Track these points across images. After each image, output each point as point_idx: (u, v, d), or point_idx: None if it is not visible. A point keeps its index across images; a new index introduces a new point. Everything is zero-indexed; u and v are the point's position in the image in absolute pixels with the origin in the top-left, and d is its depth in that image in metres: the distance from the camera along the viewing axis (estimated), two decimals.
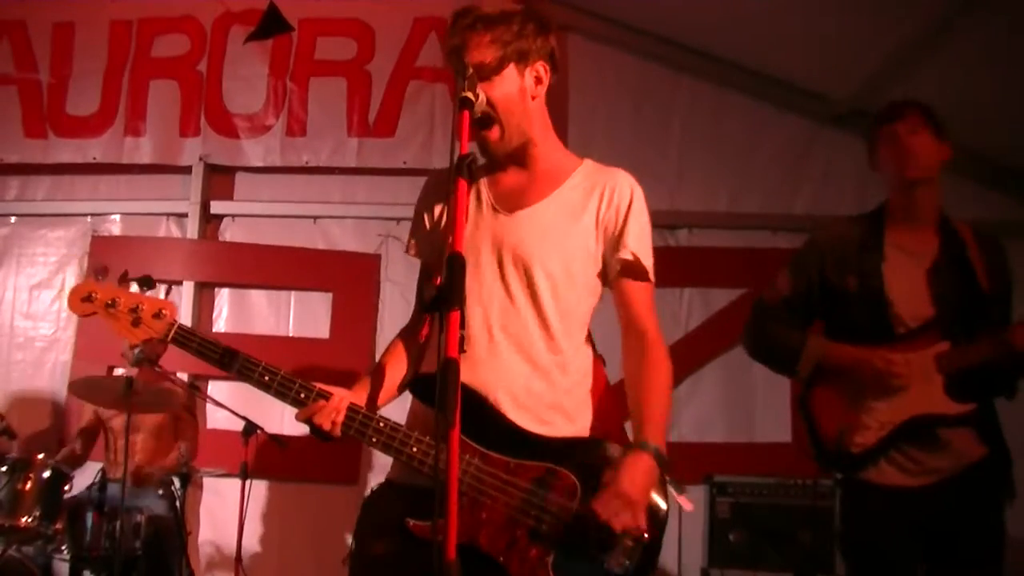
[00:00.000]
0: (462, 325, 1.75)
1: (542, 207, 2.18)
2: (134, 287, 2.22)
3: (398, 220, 5.08)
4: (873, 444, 2.68)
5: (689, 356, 4.97)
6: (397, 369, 2.28)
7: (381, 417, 2.11)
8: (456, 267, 1.81)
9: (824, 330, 2.87)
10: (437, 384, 1.69)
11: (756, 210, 5.27)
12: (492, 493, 2.03)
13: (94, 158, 5.47)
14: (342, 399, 2.06)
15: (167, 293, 2.33)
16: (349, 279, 5.18)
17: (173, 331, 2.14)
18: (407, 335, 2.32)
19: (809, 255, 2.93)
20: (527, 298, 2.14)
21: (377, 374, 2.24)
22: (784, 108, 5.31)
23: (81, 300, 2.17)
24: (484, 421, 2.06)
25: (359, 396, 2.16)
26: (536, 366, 2.14)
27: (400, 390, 2.27)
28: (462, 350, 1.75)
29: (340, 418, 2.05)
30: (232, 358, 2.11)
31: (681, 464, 4.09)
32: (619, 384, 2.31)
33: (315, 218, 5.35)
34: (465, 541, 1.70)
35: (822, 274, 2.85)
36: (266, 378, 2.09)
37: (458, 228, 1.87)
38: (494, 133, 2.13)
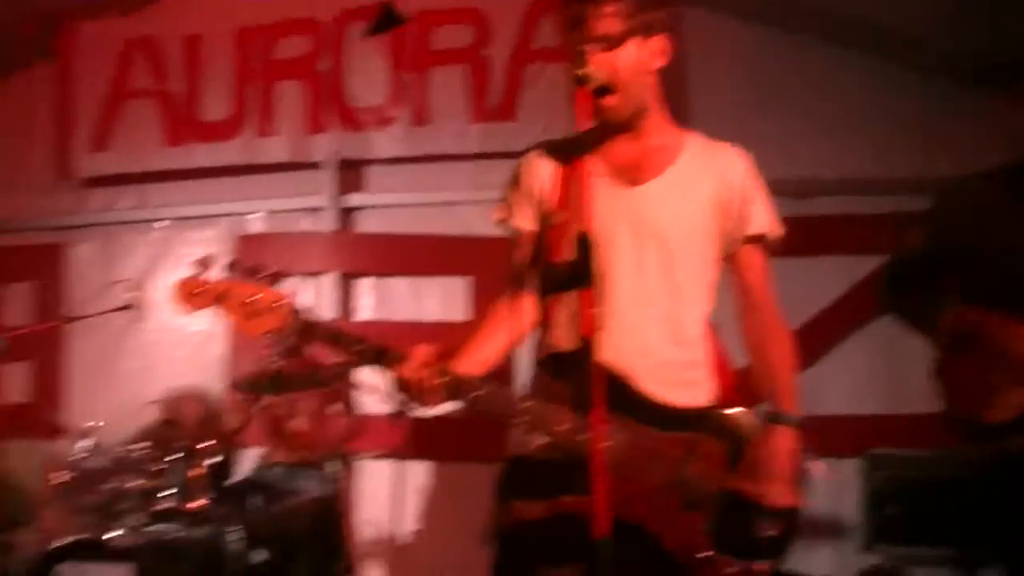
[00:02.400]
0: (596, 303, 1.78)
1: (662, 181, 2.22)
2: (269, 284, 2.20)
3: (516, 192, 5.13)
4: (1011, 419, 2.54)
5: (834, 327, 4.87)
6: (494, 342, 2.35)
7: (524, 396, 2.16)
8: (588, 245, 1.84)
9: (960, 294, 2.72)
10: (577, 362, 1.73)
11: (891, 174, 5.09)
12: (641, 466, 2.07)
13: (233, 160, 5.73)
14: (425, 350, 2.14)
15: (279, 282, 2.23)
16: (486, 263, 5.26)
17: (291, 321, 2.15)
18: (503, 309, 2.38)
19: (944, 212, 2.84)
20: (656, 272, 2.18)
21: (474, 346, 2.32)
22: (914, 67, 5.12)
23: (189, 295, 2.16)
24: (625, 395, 2.10)
25: (470, 365, 2.25)
26: (668, 338, 2.18)
27: (494, 364, 2.32)
28: (598, 327, 1.78)
29: (426, 372, 2.11)
30: (355, 345, 2.17)
31: (834, 438, 4.06)
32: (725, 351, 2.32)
33: (446, 204, 5.48)
34: (615, 514, 1.77)
35: (958, 233, 2.72)
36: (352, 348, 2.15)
37: (586, 205, 1.88)
38: (611, 101, 2.14)
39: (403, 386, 2.17)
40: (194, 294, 2.15)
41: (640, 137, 2.24)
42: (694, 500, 2.07)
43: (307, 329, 2.17)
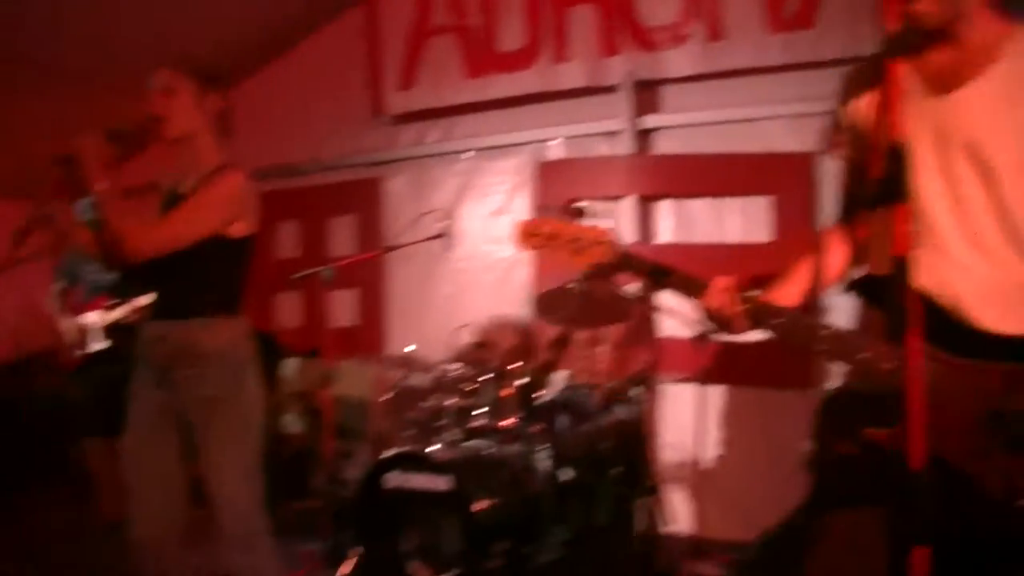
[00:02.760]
0: (909, 220, 1.63)
1: (981, 84, 1.94)
2: (578, 219, 2.44)
3: (830, 115, 4.83)
4: None
5: None
6: (827, 267, 2.25)
7: (827, 323, 2.07)
8: (899, 158, 1.67)
9: None
10: (888, 285, 1.59)
11: None
12: (957, 399, 1.89)
13: (531, 89, 5.82)
14: (726, 280, 2.14)
15: (606, 217, 2.44)
16: (787, 180, 5.03)
17: (613, 256, 2.27)
18: (833, 235, 2.26)
19: None
20: (977, 187, 1.94)
21: (801, 273, 2.23)
22: None
23: (528, 236, 2.38)
24: (942, 322, 1.90)
25: (788, 294, 2.18)
26: (992, 260, 1.94)
27: (810, 293, 2.23)
28: (913, 247, 1.63)
29: (728, 300, 2.11)
30: (663, 276, 2.23)
31: None
32: None
33: (745, 121, 5.23)
34: (929, 451, 1.61)
35: None
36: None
37: (895, 115, 1.71)
38: (925, 5, 1.90)
39: (709, 314, 2.18)
40: (532, 235, 2.36)
41: (959, 42, 1.98)
42: (1017, 439, 1.85)
43: (624, 262, 2.29)
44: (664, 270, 2.25)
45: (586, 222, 2.37)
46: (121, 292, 4.32)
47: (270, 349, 5.94)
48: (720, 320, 2.16)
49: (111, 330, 4.32)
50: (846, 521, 2.11)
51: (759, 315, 2.12)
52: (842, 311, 2.34)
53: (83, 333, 4.39)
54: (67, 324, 4.51)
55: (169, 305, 2.73)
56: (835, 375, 2.21)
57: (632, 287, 4.62)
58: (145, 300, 4.13)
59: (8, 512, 4.36)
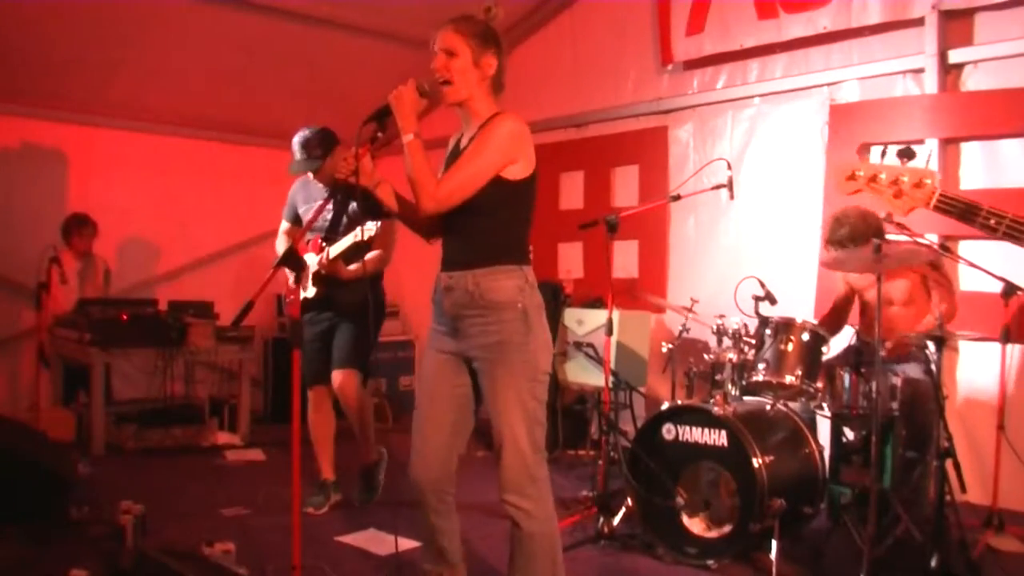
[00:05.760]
0: None
1: None
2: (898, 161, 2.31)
3: None
4: None
5: None
6: None
7: None
8: None
9: None
10: None
11: None
12: None
13: (824, 27, 5.50)
14: None
15: (927, 162, 2.33)
16: None
17: (935, 199, 2.22)
18: None
19: None
20: None
21: None
22: None
23: (846, 179, 2.37)
24: None
25: None
26: None
27: None
28: None
29: None
30: (975, 214, 2.17)
31: None
32: None
33: None
34: None
35: None
36: (992, 222, 2.12)
37: None
38: None
39: None
40: (850, 178, 2.37)
41: None
42: None
43: (947, 205, 2.25)
44: (991, 213, 2.18)
45: (909, 164, 2.32)
46: (329, 233, 4.50)
47: (555, 298, 6.12)
48: None
49: (316, 277, 4.53)
50: None
51: None
52: None
53: (304, 278, 4.57)
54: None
55: (457, 254, 2.84)
56: None
57: (928, 237, 4.30)
58: (336, 249, 4.34)
59: None
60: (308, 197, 4.70)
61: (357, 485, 4.86)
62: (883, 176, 2.29)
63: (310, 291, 4.58)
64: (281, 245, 4.80)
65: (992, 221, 2.16)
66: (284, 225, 4.84)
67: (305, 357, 4.53)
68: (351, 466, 4.88)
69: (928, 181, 2.23)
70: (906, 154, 2.31)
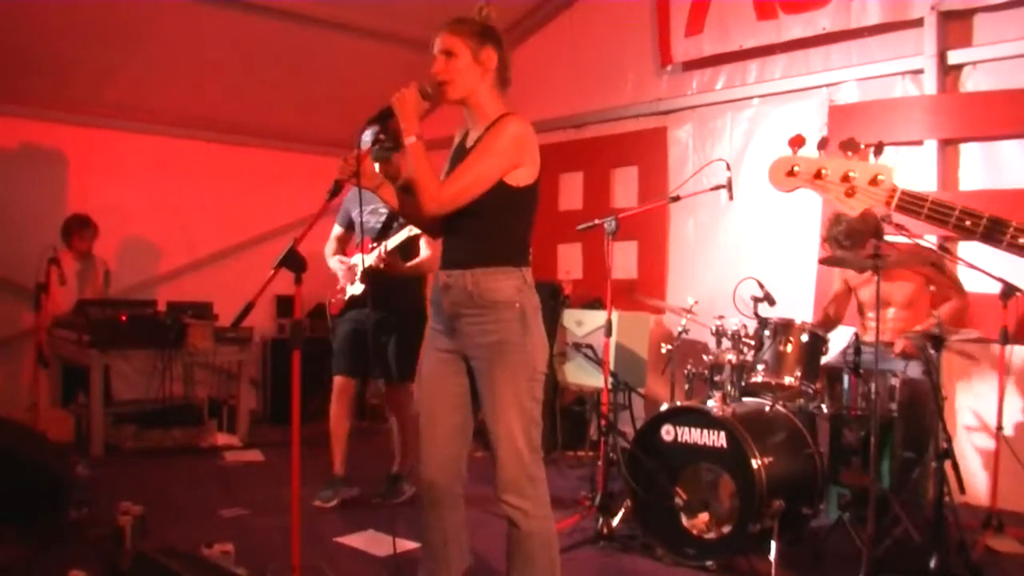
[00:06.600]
0: None
1: None
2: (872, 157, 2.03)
3: None
4: None
5: None
6: None
7: None
8: None
9: None
10: None
11: None
12: None
13: (824, 28, 5.50)
14: None
15: (876, 155, 2.02)
16: None
17: (897, 197, 1.98)
18: None
19: None
20: None
21: None
22: None
23: (785, 175, 2.09)
24: None
25: None
26: None
27: None
28: None
29: None
30: (946, 215, 1.95)
31: None
32: None
33: None
34: None
35: None
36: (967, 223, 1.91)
37: None
38: None
39: None
40: (789, 173, 2.09)
41: None
42: None
43: (912, 204, 2.00)
44: (964, 214, 1.96)
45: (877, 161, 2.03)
46: (379, 237, 4.58)
47: (554, 299, 6.11)
48: None
49: (366, 274, 4.58)
50: None
51: None
52: None
53: (351, 276, 4.68)
54: (336, 267, 4.81)
55: (456, 254, 2.84)
56: None
57: (928, 239, 4.29)
58: (392, 244, 4.40)
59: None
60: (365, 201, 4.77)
61: (383, 484, 4.94)
62: (827, 171, 2.02)
63: (357, 287, 4.70)
64: (330, 249, 4.92)
65: (968, 222, 1.94)
66: (336, 230, 4.94)
67: (338, 348, 4.78)
68: (366, 463, 4.94)
69: (882, 178, 1.97)
70: (849, 146, 2.01)
